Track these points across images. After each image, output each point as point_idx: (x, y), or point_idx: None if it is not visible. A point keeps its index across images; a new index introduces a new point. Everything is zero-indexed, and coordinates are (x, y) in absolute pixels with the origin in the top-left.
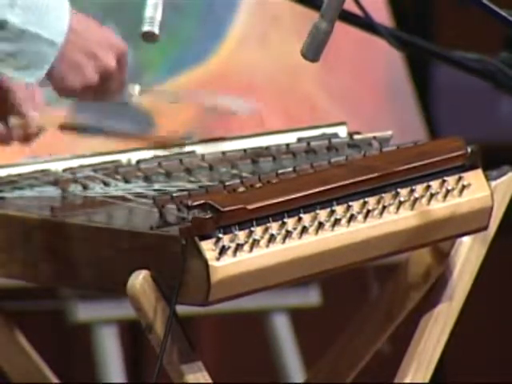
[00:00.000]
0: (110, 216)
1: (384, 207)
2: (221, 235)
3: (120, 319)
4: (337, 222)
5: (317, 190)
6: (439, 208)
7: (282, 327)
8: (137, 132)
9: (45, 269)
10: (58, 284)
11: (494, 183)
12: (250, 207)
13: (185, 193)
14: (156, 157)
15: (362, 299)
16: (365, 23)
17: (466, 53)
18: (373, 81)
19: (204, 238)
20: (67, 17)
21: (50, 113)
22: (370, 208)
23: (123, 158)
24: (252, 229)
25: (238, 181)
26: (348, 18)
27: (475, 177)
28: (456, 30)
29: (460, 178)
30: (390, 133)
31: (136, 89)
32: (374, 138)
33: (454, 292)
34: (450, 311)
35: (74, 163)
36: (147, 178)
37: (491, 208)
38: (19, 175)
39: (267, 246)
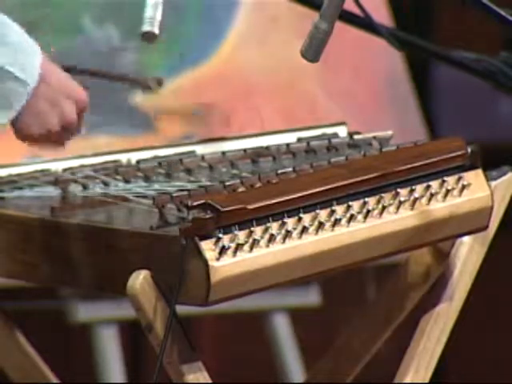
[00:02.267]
0: (110, 216)
1: (384, 207)
2: (221, 235)
3: (120, 319)
4: (337, 221)
5: (317, 190)
6: (439, 208)
7: (282, 327)
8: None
9: (45, 269)
10: (57, 284)
11: (493, 183)
12: (250, 207)
13: (185, 193)
14: (156, 157)
15: (361, 299)
16: (365, 23)
17: (465, 53)
18: (373, 81)
19: (204, 238)
20: (39, 60)
21: None
22: (370, 208)
23: (123, 157)
24: (252, 229)
25: (237, 181)
26: (348, 17)
27: (475, 177)
28: (456, 29)
29: (460, 178)
30: (390, 133)
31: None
32: (374, 137)
33: (454, 292)
34: (450, 311)
35: (74, 163)
36: (147, 178)
37: (491, 208)
38: (19, 175)
39: (267, 245)
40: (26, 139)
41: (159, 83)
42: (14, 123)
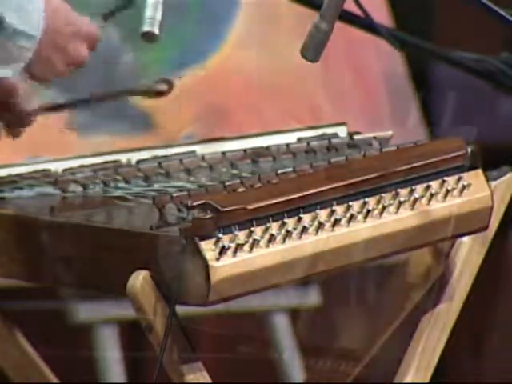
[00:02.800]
0: (110, 216)
1: (384, 207)
2: (221, 235)
3: (120, 319)
4: (337, 221)
5: (317, 190)
6: (439, 208)
7: (282, 327)
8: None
9: (45, 269)
10: (57, 284)
11: (493, 183)
12: (249, 207)
13: (185, 193)
14: (156, 157)
15: (361, 299)
16: (365, 23)
17: (465, 53)
18: (373, 81)
19: (204, 238)
20: (42, 8)
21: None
22: (370, 208)
23: (123, 158)
24: (252, 229)
25: (238, 181)
26: (348, 18)
27: (475, 177)
28: (456, 29)
29: (460, 178)
30: (390, 133)
31: None
32: (374, 138)
33: (454, 292)
34: (450, 311)
35: (74, 163)
36: (147, 178)
37: (491, 208)
38: (19, 175)
39: (267, 246)
40: (38, 81)
41: (170, 85)
42: (26, 71)
